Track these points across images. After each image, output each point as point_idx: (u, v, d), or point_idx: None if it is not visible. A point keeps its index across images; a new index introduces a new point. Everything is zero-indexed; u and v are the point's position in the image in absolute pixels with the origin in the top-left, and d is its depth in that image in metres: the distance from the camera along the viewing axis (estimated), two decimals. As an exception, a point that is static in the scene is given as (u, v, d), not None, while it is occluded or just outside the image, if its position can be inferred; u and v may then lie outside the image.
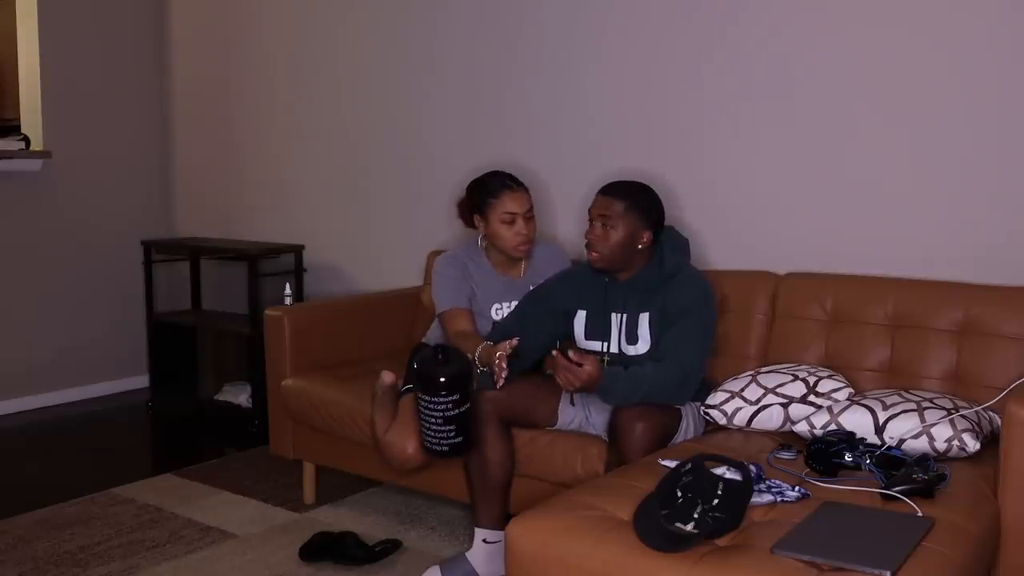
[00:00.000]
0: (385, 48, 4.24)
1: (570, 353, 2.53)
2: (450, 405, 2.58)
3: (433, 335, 3.22)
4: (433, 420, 2.61)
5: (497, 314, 3.05)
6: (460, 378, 2.59)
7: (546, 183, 3.60)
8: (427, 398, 2.60)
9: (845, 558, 1.76)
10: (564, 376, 2.53)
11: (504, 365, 2.64)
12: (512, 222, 2.99)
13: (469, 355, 2.75)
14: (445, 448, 2.64)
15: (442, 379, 2.56)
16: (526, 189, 3.06)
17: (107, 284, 5.04)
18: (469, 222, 3.12)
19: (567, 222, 3.59)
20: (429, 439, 2.66)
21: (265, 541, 3.13)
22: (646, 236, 2.72)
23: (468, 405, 2.63)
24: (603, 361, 2.78)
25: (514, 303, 3.03)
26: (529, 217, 3.02)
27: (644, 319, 2.73)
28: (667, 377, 2.59)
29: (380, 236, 4.33)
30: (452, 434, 2.62)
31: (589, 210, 2.75)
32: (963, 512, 2.05)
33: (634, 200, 2.71)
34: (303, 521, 3.29)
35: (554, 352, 2.58)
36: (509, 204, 2.99)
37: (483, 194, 3.03)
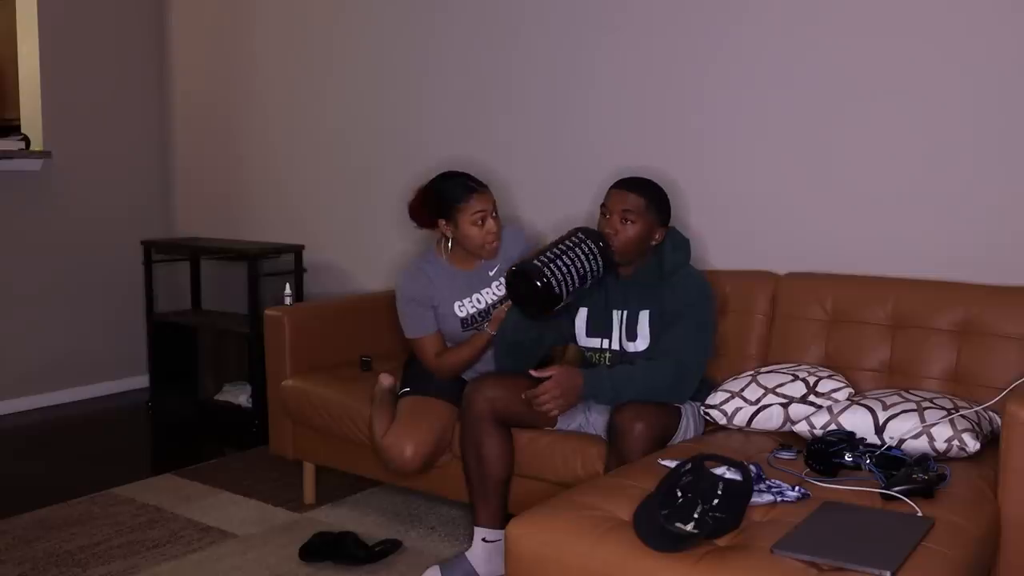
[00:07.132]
0: (385, 48, 4.24)
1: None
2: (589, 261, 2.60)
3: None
4: (576, 265, 2.58)
5: (460, 311, 3.04)
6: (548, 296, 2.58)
7: (545, 183, 3.60)
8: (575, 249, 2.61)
9: (845, 558, 1.76)
10: (542, 399, 2.59)
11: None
12: (483, 222, 2.97)
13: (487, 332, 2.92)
14: (557, 292, 2.58)
15: (539, 284, 2.55)
16: (487, 187, 3.02)
17: (107, 284, 5.04)
18: (426, 224, 3.07)
19: (566, 223, 3.58)
20: (556, 277, 2.58)
21: (265, 541, 3.13)
22: (659, 233, 2.73)
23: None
24: (604, 358, 2.79)
25: (476, 297, 3.04)
26: (496, 215, 3.00)
27: (644, 316, 2.74)
28: (661, 374, 2.60)
29: (380, 236, 4.33)
30: (571, 286, 2.59)
31: (603, 204, 2.73)
32: (963, 512, 2.06)
33: (653, 196, 2.72)
34: (303, 521, 3.29)
35: (523, 396, 2.62)
36: (478, 205, 2.96)
37: (449, 200, 2.97)
